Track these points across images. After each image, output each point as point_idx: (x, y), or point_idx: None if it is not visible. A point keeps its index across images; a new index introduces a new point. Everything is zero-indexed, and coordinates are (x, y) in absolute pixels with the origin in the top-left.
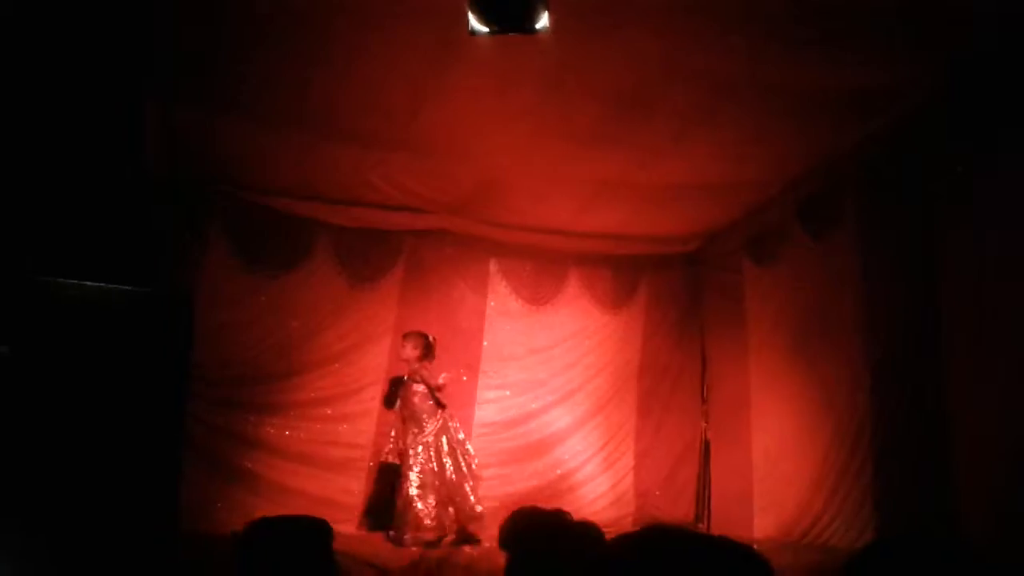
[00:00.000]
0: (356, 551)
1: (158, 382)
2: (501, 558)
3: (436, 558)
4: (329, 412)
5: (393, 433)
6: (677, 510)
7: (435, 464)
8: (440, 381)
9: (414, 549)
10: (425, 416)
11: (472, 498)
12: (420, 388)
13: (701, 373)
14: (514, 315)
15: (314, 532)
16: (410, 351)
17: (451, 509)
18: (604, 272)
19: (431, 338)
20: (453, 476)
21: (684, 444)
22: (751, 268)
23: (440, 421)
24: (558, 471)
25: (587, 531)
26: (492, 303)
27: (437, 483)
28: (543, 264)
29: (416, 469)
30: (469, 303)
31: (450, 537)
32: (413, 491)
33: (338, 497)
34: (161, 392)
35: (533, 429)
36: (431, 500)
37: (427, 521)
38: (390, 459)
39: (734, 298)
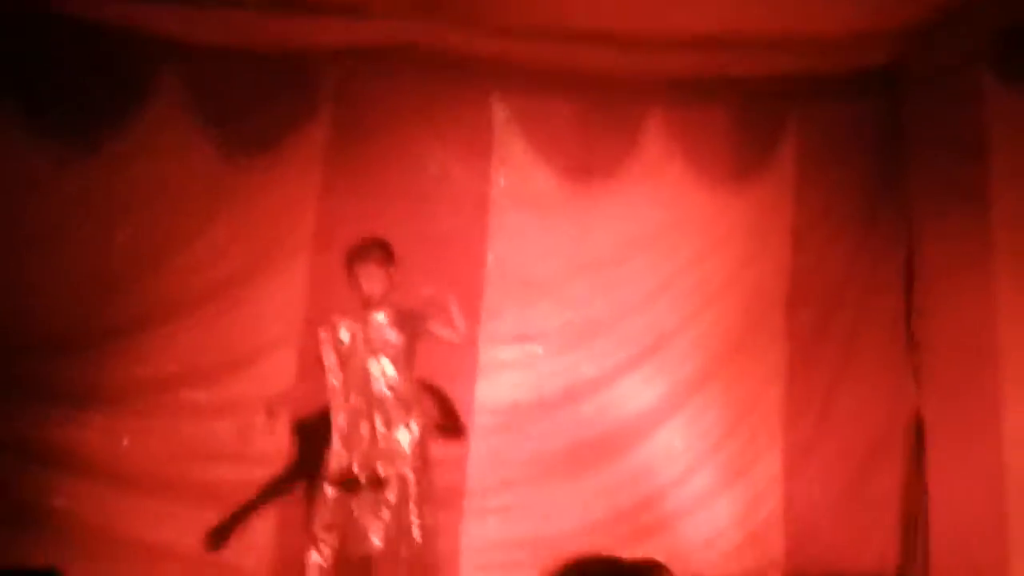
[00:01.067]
0: None
1: None
2: None
3: None
4: (202, 398)
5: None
6: (865, 554)
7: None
8: (457, 329)
9: None
10: (374, 396)
11: None
12: (370, 342)
13: (905, 303)
14: (543, 202)
15: None
16: (365, 280)
17: None
18: (714, 114)
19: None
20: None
21: (876, 434)
22: (999, 94)
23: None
24: (638, 491)
25: None
26: (501, 181)
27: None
28: (596, 103)
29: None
30: (457, 184)
31: None
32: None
33: (229, 557)
34: None
35: (589, 414)
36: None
37: None
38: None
39: (965, 154)
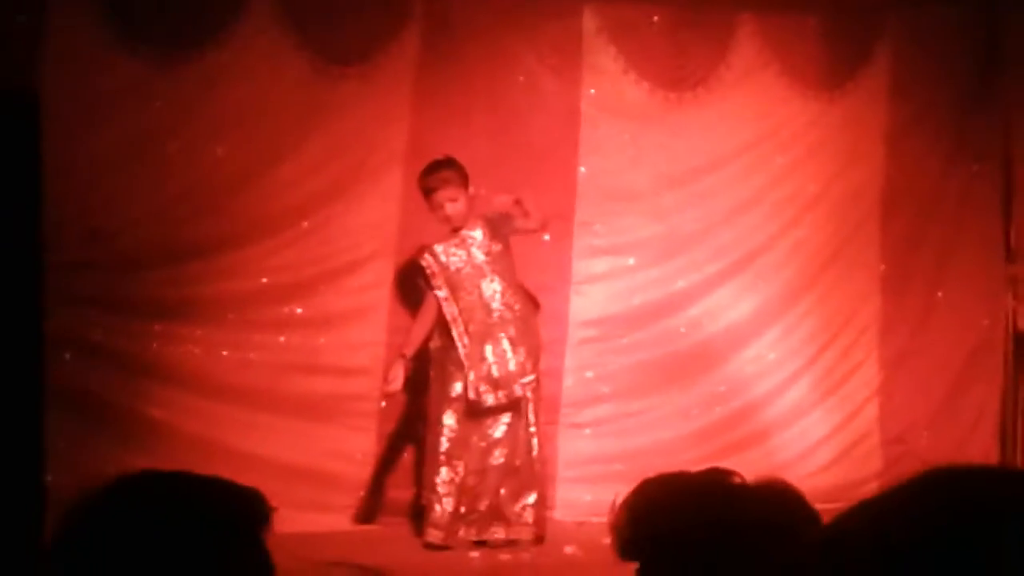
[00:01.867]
0: (351, 559)
1: None
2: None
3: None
4: (298, 312)
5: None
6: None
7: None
8: (534, 217)
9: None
10: (494, 318)
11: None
12: (477, 263)
13: (1001, 213)
14: (635, 113)
15: (231, 518)
16: (449, 204)
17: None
18: (807, 21)
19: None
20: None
21: (973, 346)
22: None
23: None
24: (732, 404)
25: (793, 513)
26: (592, 92)
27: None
28: (687, 11)
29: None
30: (548, 96)
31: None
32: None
33: (323, 464)
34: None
35: (682, 327)
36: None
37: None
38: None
39: None
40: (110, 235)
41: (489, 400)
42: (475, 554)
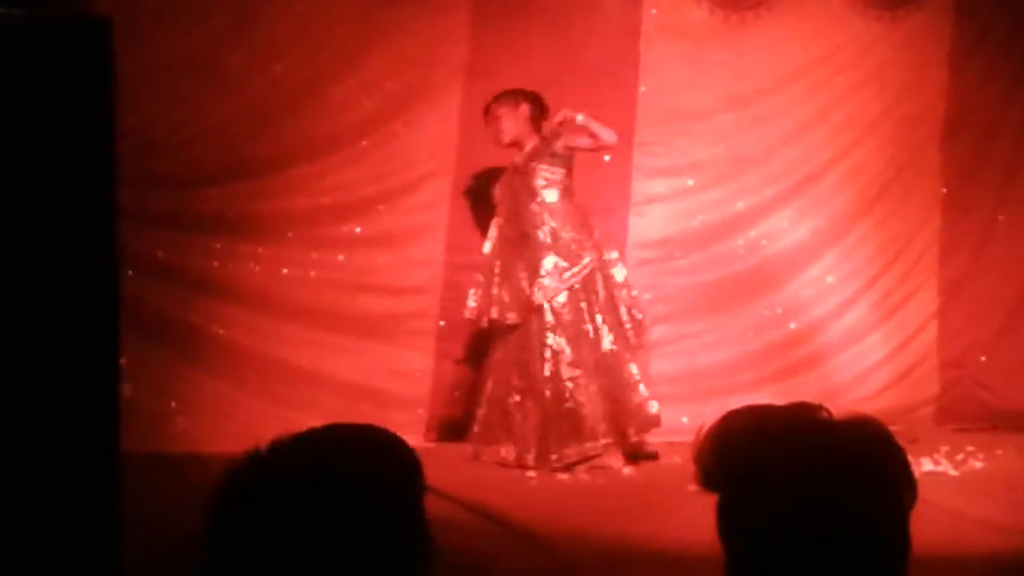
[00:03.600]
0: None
1: (68, 184)
2: (697, 499)
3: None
4: (357, 231)
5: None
6: (1018, 393)
7: (586, 325)
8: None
9: (531, 476)
10: (562, 238)
11: (642, 387)
12: (542, 183)
13: None
14: (695, 33)
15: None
16: (509, 126)
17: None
18: None
19: (542, 99)
20: (614, 347)
21: None
22: None
23: (589, 247)
24: (789, 326)
25: (881, 450)
26: (653, 10)
27: (582, 358)
28: None
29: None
30: (609, 15)
31: (599, 453)
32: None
33: (382, 382)
34: (75, 203)
35: (740, 249)
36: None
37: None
38: (478, 318)
39: None
40: (169, 151)
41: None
42: (532, 474)
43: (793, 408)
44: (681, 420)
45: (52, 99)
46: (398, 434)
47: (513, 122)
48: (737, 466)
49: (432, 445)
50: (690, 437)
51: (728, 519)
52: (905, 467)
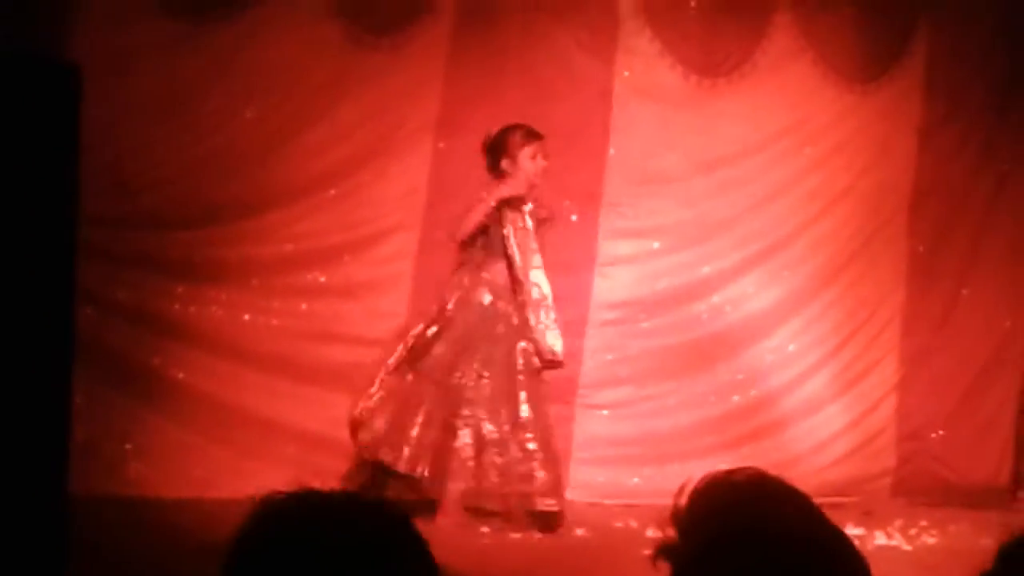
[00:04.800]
0: None
1: (30, 221)
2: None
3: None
4: (322, 280)
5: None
6: (978, 468)
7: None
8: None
9: (484, 531)
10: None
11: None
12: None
13: None
14: (667, 97)
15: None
16: (537, 162)
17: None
18: (844, 11)
19: None
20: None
21: (995, 345)
22: None
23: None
24: (750, 393)
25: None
26: (625, 74)
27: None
28: None
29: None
30: (581, 76)
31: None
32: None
33: (340, 432)
34: (36, 239)
35: (704, 314)
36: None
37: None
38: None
39: None
40: (138, 192)
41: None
42: (485, 529)
43: (780, 490)
44: (633, 481)
45: (19, 139)
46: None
47: (542, 159)
48: (706, 538)
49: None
50: (645, 500)
51: None
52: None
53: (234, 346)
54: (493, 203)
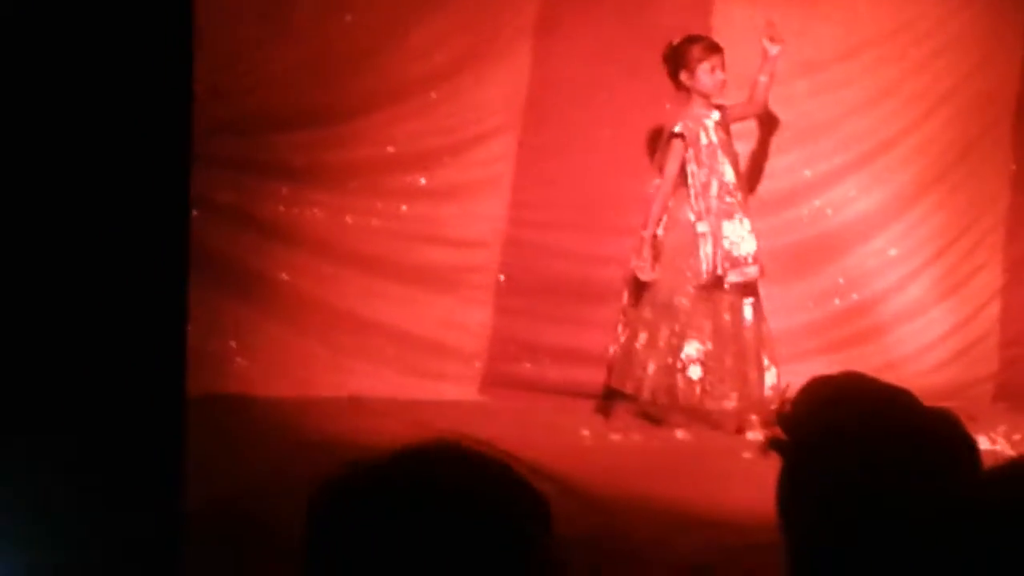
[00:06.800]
0: (462, 430)
1: (145, 120)
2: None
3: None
4: (422, 182)
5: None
6: None
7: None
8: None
9: (585, 435)
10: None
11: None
12: (714, 143)
13: None
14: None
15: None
16: (720, 72)
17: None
18: None
19: None
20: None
21: None
22: None
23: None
24: (850, 297)
25: (957, 441)
26: None
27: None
28: None
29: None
30: None
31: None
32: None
33: (439, 333)
34: (150, 142)
35: (805, 217)
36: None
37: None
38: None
39: None
40: (238, 95)
41: (733, 278)
42: (586, 432)
43: (882, 386)
44: None
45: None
46: (456, 384)
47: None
48: (815, 432)
49: (487, 399)
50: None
51: (794, 485)
52: (978, 463)
53: (336, 247)
54: (668, 188)
